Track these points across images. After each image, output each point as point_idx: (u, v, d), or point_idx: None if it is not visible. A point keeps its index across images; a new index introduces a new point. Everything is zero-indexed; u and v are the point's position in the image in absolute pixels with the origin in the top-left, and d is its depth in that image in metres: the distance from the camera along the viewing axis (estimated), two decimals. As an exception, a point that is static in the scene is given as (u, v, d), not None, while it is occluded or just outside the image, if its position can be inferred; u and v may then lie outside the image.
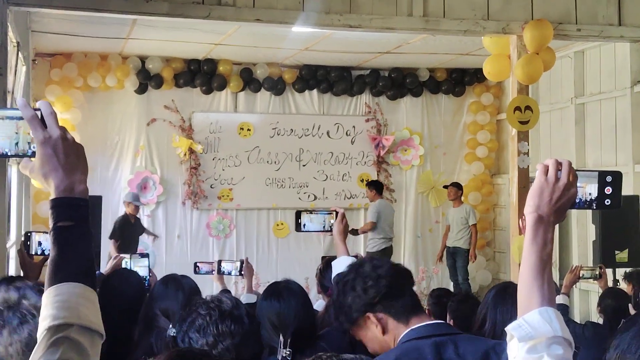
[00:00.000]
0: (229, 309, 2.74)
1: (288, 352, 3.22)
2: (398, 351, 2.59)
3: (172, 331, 3.37)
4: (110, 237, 10.65)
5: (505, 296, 3.43)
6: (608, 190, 1.97)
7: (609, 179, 1.97)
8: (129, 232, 10.92)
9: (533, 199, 1.89)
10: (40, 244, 4.35)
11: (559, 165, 1.90)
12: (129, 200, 11.03)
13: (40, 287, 2.35)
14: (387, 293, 2.71)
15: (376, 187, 11.66)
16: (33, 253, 4.36)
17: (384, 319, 2.70)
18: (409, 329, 2.64)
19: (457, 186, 12.16)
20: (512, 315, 1.90)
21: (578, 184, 1.93)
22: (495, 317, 3.43)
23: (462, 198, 12.30)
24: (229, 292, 5.98)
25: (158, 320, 3.46)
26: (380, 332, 2.71)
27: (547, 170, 1.90)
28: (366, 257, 2.90)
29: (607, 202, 1.98)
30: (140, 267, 4.74)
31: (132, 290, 4.21)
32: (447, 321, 5.01)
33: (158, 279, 4.59)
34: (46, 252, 4.32)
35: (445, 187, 12.31)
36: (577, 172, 1.92)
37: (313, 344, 3.52)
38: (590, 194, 1.97)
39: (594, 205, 1.98)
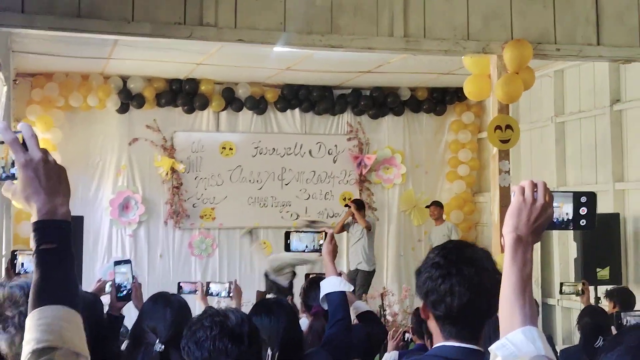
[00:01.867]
0: (231, 326, 2.71)
1: None
2: None
3: (158, 346, 3.37)
4: None
5: None
6: (583, 210, 1.99)
7: (583, 199, 1.99)
8: None
9: (512, 219, 1.91)
10: (22, 265, 4.34)
11: (534, 186, 1.92)
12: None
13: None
14: (436, 302, 2.50)
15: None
16: (17, 272, 4.36)
17: (430, 316, 2.56)
18: (442, 343, 2.53)
19: (438, 205, 12.22)
20: None
21: (555, 204, 1.95)
22: None
23: (444, 216, 12.35)
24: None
25: (146, 336, 3.46)
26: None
27: (524, 191, 1.92)
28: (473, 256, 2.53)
29: (583, 222, 2.00)
30: (121, 274, 4.72)
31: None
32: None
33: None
34: (29, 272, 4.31)
35: (428, 207, 12.36)
36: (552, 193, 1.94)
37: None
38: (567, 213, 1.99)
39: (570, 225, 2.00)
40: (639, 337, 1.63)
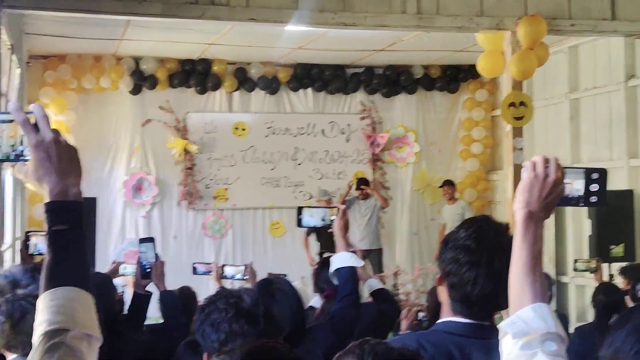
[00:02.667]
0: (247, 308, 2.70)
1: None
2: (424, 338, 2.46)
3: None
4: None
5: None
6: (594, 187, 1.97)
7: (594, 176, 1.97)
8: None
9: (523, 195, 1.89)
10: (36, 245, 4.37)
11: (546, 161, 1.90)
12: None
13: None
14: (456, 285, 2.43)
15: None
16: (31, 253, 4.39)
17: (444, 288, 2.49)
18: (448, 319, 2.47)
19: (451, 184, 12.23)
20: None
21: (566, 180, 1.93)
22: None
23: (457, 195, 12.33)
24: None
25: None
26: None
27: (536, 166, 1.90)
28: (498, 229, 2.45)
29: (593, 199, 1.98)
30: (143, 252, 4.73)
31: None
32: None
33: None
34: (43, 253, 4.34)
35: (441, 186, 12.34)
36: (564, 169, 1.92)
37: (301, 340, 3.55)
38: (578, 190, 1.97)
39: (581, 202, 1.98)
40: None
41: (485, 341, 2.33)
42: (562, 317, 7.85)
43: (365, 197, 11.75)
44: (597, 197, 1.97)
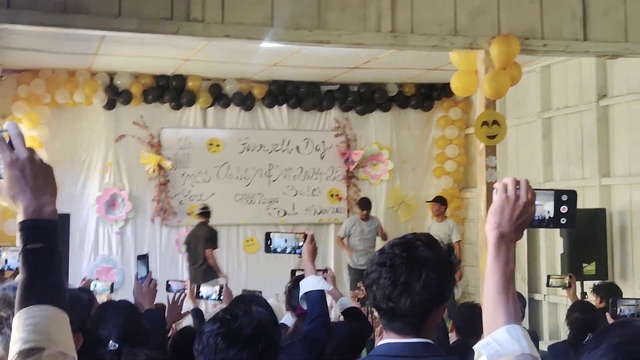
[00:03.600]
0: (232, 327, 2.68)
1: None
2: None
3: (112, 345, 3.42)
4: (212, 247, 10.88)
5: None
6: (564, 208, 2.00)
7: (564, 197, 2.00)
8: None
9: (494, 217, 1.91)
10: (6, 261, 4.32)
11: (517, 183, 1.92)
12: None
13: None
14: (367, 287, 2.45)
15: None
16: (1, 269, 4.34)
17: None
18: (382, 342, 2.46)
19: (441, 201, 12.10)
20: None
21: (537, 202, 1.96)
22: None
23: (448, 213, 12.30)
24: (200, 310, 5.98)
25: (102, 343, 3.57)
26: None
27: (507, 188, 1.92)
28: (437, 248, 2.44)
29: (563, 220, 2.01)
30: (139, 268, 4.75)
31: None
32: (450, 330, 5.09)
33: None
34: (12, 269, 4.31)
35: (429, 201, 12.32)
36: (534, 191, 1.95)
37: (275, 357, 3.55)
38: (548, 212, 2.00)
39: (551, 224, 2.01)
40: (620, 335, 1.63)
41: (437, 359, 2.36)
42: (533, 333, 7.88)
43: (366, 218, 11.75)
44: (566, 219, 2.00)
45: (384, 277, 2.36)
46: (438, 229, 11.84)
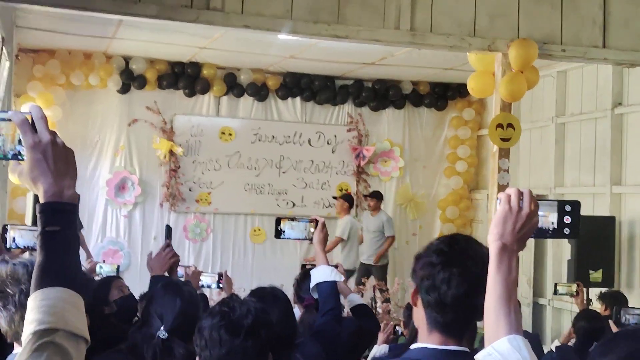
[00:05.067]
0: (232, 318, 2.69)
1: None
2: None
3: (162, 333, 3.36)
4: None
5: None
6: (567, 219, 2.01)
7: (567, 208, 2.01)
8: None
9: (497, 227, 1.91)
10: (14, 239, 4.33)
11: (520, 194, 1.92)
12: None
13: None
14: (430, 288, 2.33)
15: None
16: (8, 247, 4.35)
17: (419, 303, 2.39)
18: (423, 345, 2.35)
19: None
20: None
21: (541, 213, 1.96)
22: None
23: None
24: (205, 296, 5.99)
25: (152, 321, 3.46)
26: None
27: (510, 199, 1.92)
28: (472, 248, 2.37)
29: (566, 231, 2.01)
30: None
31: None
32: None
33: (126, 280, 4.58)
34: (20, 247, 4.32)
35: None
36: (538, 202, 1.95)
37: (289, 354, 3.53)
38: (553, 223, 2.00)
39: (554, 234, 2.01)
40: (628, 346, 1.63)
41: None
42: (535, 336, 7.87)
43: (376, 210, 11.77)
44: (569, 229, 2.01)
45: (455, 276, 2.27)
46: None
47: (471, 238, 2.43)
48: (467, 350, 2.32)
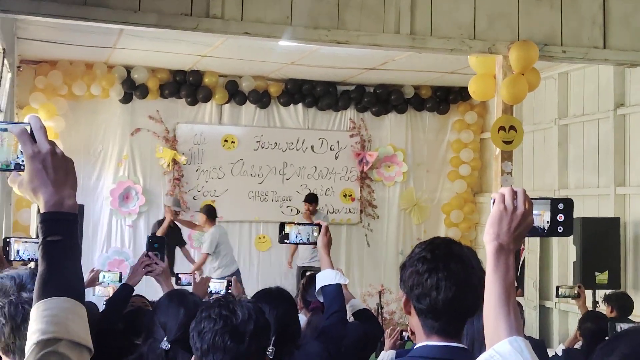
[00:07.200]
0: (235, 324, 2.67)
1: (271, 350, 3.20)
2: None
3: (165, 344, 3.35)
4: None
5: None
6: (560, 217, 2.01)
7: (560, 206, 2.01)
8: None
9: (492, 228, 1.92)
10: (18, 252, 4.33)
11: (514, 193, 1.93)
12: (170, 205, 11.04)
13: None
14: (420, 296, 2.43)
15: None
16: (12, 259, 4.35)
17: (412, 311, 2.50)
18: (424, 343, 2.46)
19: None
20: None
21: (536, 212, 1.96)
22: None
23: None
24: None
25: (155, 331, 3.45)
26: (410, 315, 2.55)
27: (504, 199, 1.92)
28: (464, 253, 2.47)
29: (560, 229, 2.01)
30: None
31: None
32: None
33: (134, 290, 4.56)
34: (24, 259, 4.32)
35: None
36: (532, 200, 1.95)
37: (292, 352, 3.56)
38: (547, 221, 2.01)
39: (548, 232, 2.02)
40: (633, 344, 1.62)
41: None
42: (541, 342, 7.85)
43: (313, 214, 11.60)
44: (563, 228, 2.02)
45: (442, 280, 2.39)
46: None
47: (450, 240, 2.54)
48: (465, 347, 2.45)
